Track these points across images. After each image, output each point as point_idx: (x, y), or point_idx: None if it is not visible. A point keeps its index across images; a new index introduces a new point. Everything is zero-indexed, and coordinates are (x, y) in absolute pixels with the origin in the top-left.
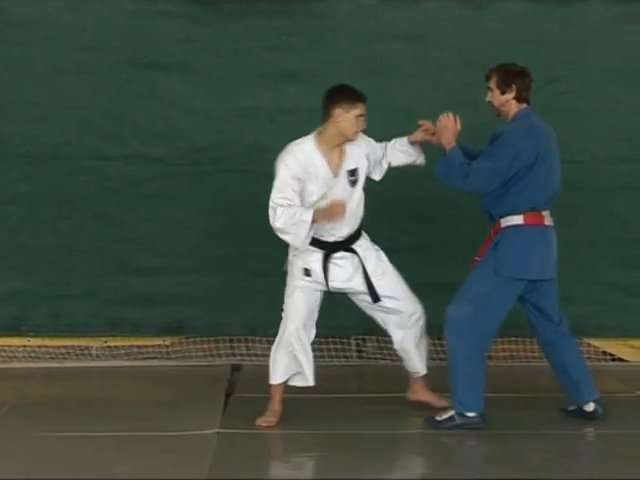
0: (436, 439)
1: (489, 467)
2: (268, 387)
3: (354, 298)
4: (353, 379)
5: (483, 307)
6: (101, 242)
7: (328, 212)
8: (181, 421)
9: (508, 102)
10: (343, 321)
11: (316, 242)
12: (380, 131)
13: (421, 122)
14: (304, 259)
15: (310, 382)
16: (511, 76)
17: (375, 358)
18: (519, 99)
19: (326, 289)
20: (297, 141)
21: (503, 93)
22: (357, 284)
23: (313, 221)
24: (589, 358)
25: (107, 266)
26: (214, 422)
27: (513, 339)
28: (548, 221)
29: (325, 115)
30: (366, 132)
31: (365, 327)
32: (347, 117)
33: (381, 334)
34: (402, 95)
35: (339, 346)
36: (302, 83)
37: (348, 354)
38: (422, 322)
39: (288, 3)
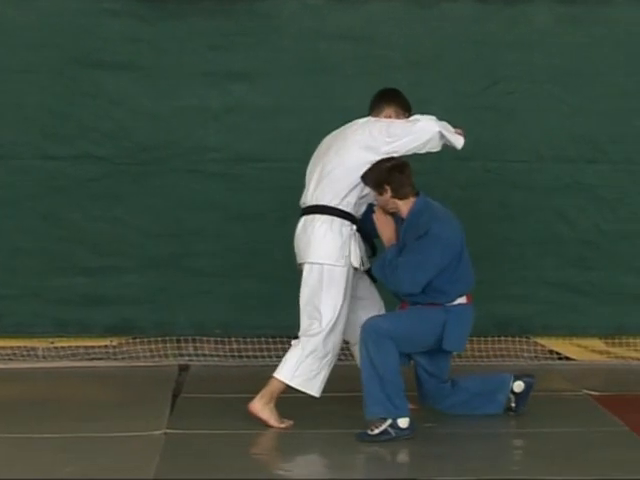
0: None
1: (435, 466)
2: (216, 387)
3: None
4: None
5: (403, 340)
6: (46, 242)
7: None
8: (128, 422)
9: (390, 201)
10: (291, 321)
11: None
12: (324, 131)
13: None
14: (355, 249)
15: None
16: (383, 176)
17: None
18: (399, 196)
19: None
20: None
21: (381, 194)
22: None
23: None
24: (536, 357)
25: (53, 266)
26: (161, 423)
27: None
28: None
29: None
30: (311, 132)
31: None
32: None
33: None
34: (347, 95)
35: (287, 346)
36: (247, 82)
37: None
38: None
39: (232, 2)
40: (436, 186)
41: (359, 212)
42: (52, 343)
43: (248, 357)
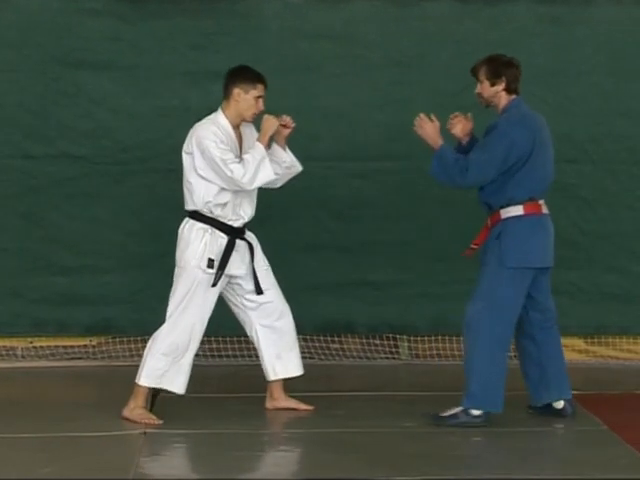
0: (359, 438)
1: (412, 465)
2: (195, 386)
3: (229, 290)
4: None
5: (496, 304)
6: (26, 241)
7: (265, 129)
8: (108, 421)
9: (498, 94)
10: None
11: (223, 227)
12: (306, 130)
13: (283, 117)
14: (207, 249)
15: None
16: (501, 67)
17: (302, 357)
18: (509, 90)
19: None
20: (206, 119)
21: (493, 85)
22: (245, 271)
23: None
24: (516, 356)
25: (32, 265)
26: (140, 422)
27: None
28: (545, 209)
29: (225, 94)
30: (293, 132)
31: None
32: (246, 98)
33: (308, 333)
34: (328, 94)
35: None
36: None
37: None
38: (285, 322)
39: (213, 2)
40: (416, 183)
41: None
42: (31, 343)
43: (227, 357)
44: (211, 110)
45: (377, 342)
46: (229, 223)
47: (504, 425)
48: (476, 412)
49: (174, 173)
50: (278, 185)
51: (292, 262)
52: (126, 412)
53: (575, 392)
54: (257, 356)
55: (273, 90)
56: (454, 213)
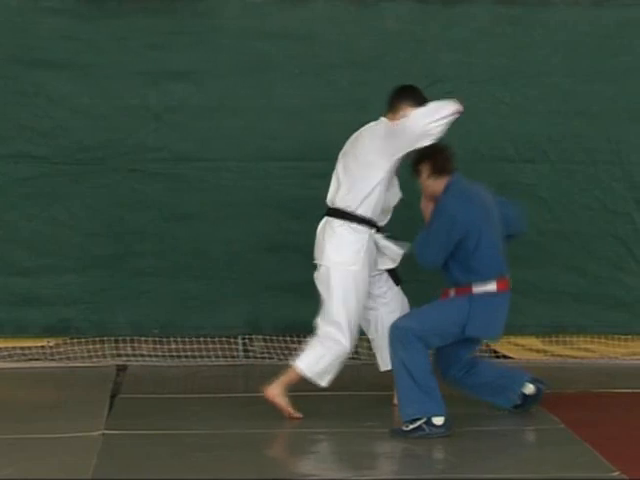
0: (321, 438)
1: (375, 464)
2: (154, 387)
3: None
4: (240, 379)
5: (430, 335)
6: None
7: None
8: (66, 423)
9: (426, 181)
10: (230, 321)
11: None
12: (265, 130)
13: None
14: (367, 252)
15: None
16: (421, 156)
17: (262, 357)
18: (438, 174)
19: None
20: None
21: (418, 173)
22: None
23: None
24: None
25: None
26: (99, 423)
27: None
28: (509, 284)
29: (392, 108)
30: (251, 132)
31: (252, 326)
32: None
33: (268, 333)
34: (288, 94)
35: (226, 346)
36: (187, 82)
37: (235, 354)
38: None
39: (173, 1)
40: None
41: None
42: None
43: (187, 357)
44: (170, 110)
45: None
46: None
47: (463, 425)
48: (438, 420)
49: (133, 173)
50: None
51: (252, 262)
52: (274, 393)
53: None
54: (216, 356)
55: (232, 90)
56: (413, 214)
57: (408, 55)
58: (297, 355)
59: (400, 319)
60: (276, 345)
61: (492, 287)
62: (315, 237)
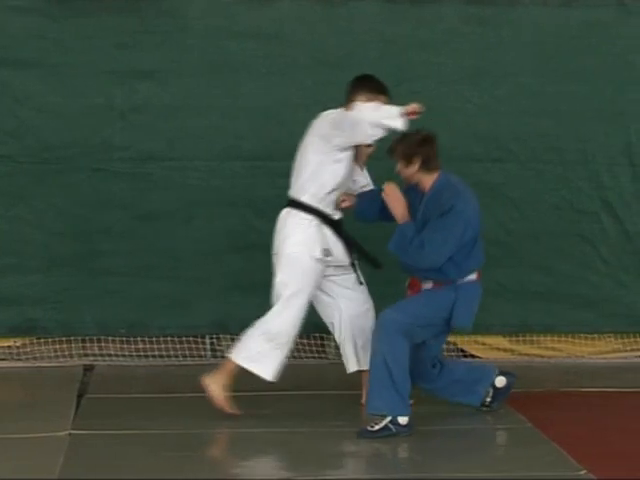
0: (286, 437)
1: (340, 464)
2: (121, 387)
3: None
4: None
5: (418, 328)
6: None
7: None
8: (32, 423)
9: (415, 174)
10: (198, 320)
11: (327, 220)
12: (232, 130)
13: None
14: (319, 240)
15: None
16: (414, 147)
17: None
18: (427, 168)
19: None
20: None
21: (407, 165)
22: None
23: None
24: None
25: None
26: (66, 423)
27: None
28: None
29: (347, 103)
30: (217, 131)
31: (219, 326)
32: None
33: (236, 332)
34: (255, 94)
35: (193, 345)
36: (154, 81)
37: (202, 353)
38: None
39: (139, 0)
40: None
41: (325, 203)
42: None
43: (154, 357)
44: (135, 109)
45: (304, 342)
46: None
47: (429, 424)
48: (403, 420)
49: (98, 172)
50: None
51: (219, 262)
52: (211, 384)
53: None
54: (184, 356)
55: (198, 89)
56: None
57: (376, 55)
58: None
59: (386, 311)
60: None
61: (473, 276)
62: None
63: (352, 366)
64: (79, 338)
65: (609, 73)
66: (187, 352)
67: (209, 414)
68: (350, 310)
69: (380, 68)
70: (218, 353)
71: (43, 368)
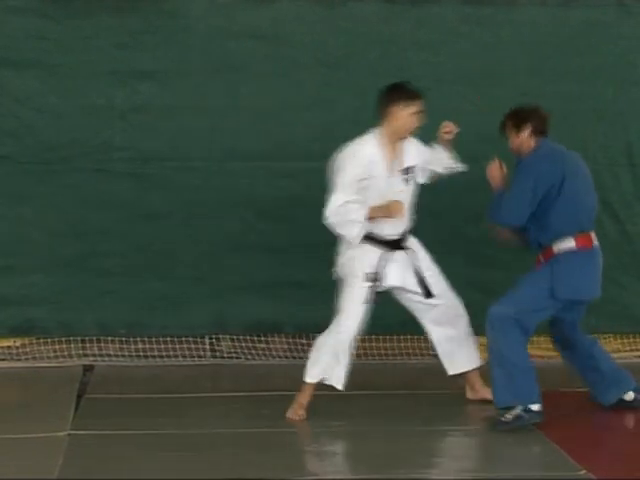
0: (286, 437)
1: (337, 463)
2: (120, 387)
3: (399, 295)
4: (207, 379)
5: (526, 313)
6: None
7: (386, 210)
8: (32, 423)
9: (525, 139)
10: (197, 320)
11: (374, 240)
12: (232, 130)
13: (444, 124)
14: (363, 262)
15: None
16: (525, 115)
17: (229, 357)
18: (535, 133)
19: (379, 289)
20: (359, 141)
21: (519, 133)
22: (410, 282)
23: (371, 218)
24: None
25: None
26: (65, 424)
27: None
28: (595, 241)
29: (381, 113)
30: (218, 132)
31: (219, 326)
32: (403, 115)
33: (235, 333)
34: (256, 94)
35: (193, 345)
36: (154, 81)
37: (202, 353)
38: (464, 320)
39: (140, 0)
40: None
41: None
42: None
43: (153, 357)
44: (136, 110)
45: (304, 342)
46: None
47: (429, 424)
48: (535, 407)
49: (99, 172)
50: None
51: (218, 262)
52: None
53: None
54: (183, 356)
55: (199, 90)
56: None
57: (375, 55)
58: (263, 355)
59: (495, 306)
60: (243, 345)
61: (571, 244)
62: (282, 237)
63: (453, 369)
64: (79, 338)
65: (609, 73)
66: (187, 352)
67: (209, 414)
68: (434, 322)
69: (379, 68)
70: (217, 353)
71: (43, 368)
